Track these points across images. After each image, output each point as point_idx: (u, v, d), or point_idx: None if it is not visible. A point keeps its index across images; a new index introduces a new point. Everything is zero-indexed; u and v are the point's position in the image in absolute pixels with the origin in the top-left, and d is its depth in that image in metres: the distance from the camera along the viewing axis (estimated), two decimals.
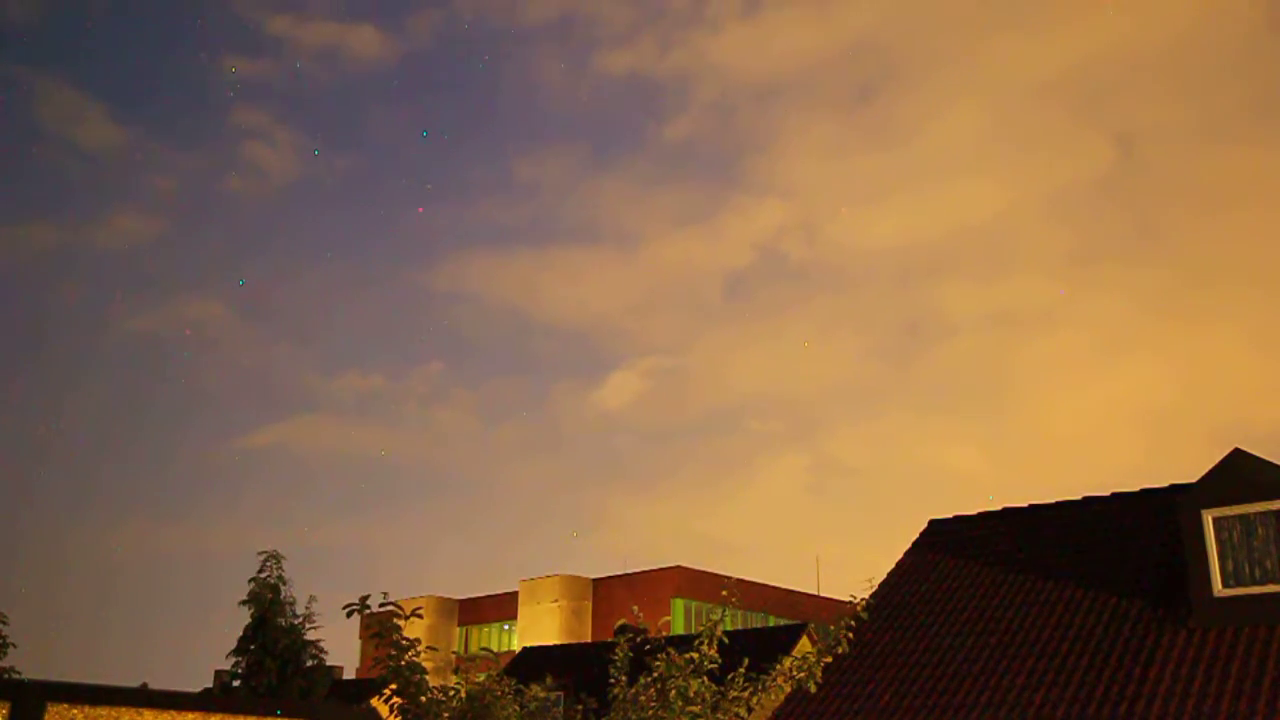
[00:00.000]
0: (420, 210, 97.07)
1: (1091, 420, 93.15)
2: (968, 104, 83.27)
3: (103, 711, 7.05)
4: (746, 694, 9.00)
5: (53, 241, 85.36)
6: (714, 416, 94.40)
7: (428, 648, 8.79)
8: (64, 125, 78.70)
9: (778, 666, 9.29)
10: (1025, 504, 19.40)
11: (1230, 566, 14.27)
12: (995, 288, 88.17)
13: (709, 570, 54.89)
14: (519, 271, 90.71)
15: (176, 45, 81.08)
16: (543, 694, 9.89)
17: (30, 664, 15.13)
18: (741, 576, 50.49)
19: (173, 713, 7.39)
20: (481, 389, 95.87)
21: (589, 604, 57.86)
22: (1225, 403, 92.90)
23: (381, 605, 8.60)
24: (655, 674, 8.91)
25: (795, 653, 9.66)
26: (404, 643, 8.60)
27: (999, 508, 19.72)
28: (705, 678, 8.87)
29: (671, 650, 8.98)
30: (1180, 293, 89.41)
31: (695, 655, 8.92)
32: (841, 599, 10.16)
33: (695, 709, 8.67)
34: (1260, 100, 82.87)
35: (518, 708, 9.35)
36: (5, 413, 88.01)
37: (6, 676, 14.08)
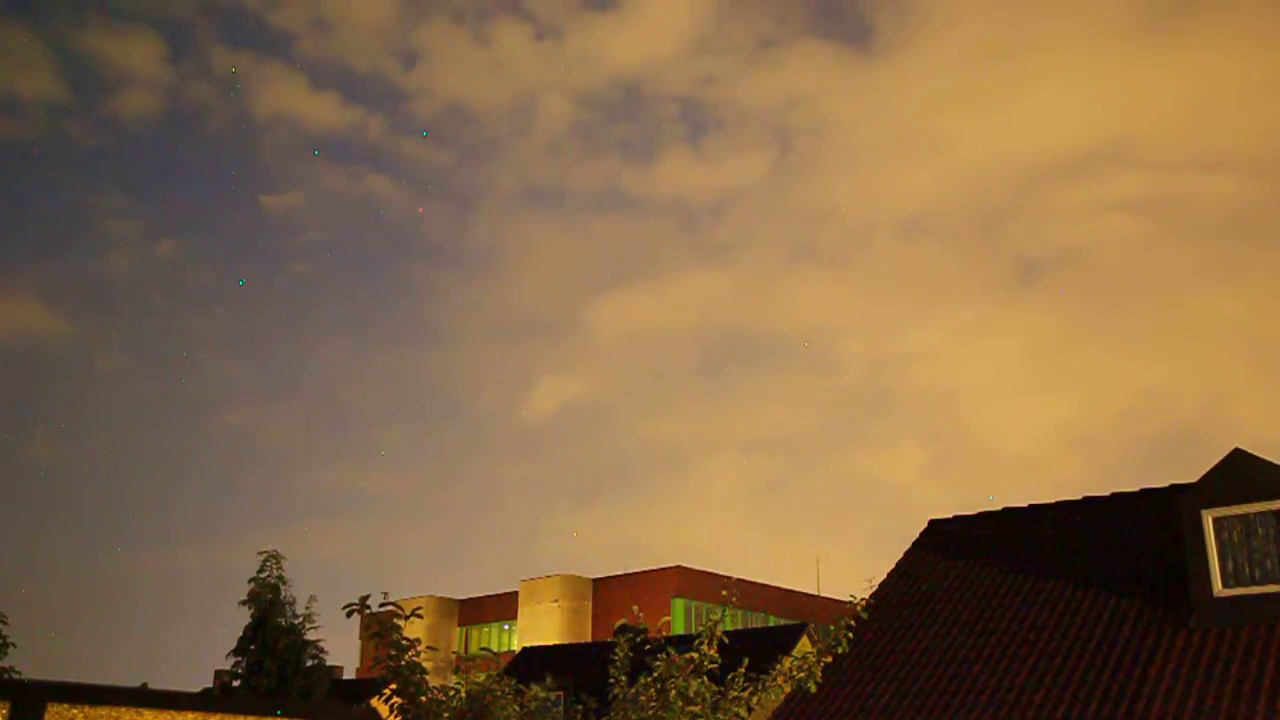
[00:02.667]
0: (421, 210, 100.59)
1: (1028, 438, 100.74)
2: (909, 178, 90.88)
3: (103, 711, 7.05)
4: (746, 694, 9.00)
5: (104, 325, 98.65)
6: (686, 438, 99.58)
7: (428, 648, 8.79)
8: (121, 232, 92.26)
9: (778, 666, 9.29)
10: (1025, 504, 19.42)
11: (1230, 566, 14.26)
12: (940, 320, 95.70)
13: (709, 570, 54.91)
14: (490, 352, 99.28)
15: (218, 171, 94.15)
16: (543, 694, 9.89)
17: (33, 665, 15.15)
18: (742, 577, 50.53)
19: (173, 713, 7.39)
20: (475, 419, 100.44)
21: (589, 604, 57.85)
22: (1152, 423, 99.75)
23: (381, 605, 8.60)
24: (655, 674, 8.91)
25: (795, 653, 9.67)
26: (404, 643, 8.60)
27: (999, 508, 19.72)
28: (705, 678, 8.87)
29: (671, 650, 8.98)
30: (1110, 320, 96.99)
31: (695, 655, 8.92)
32: (841, 599, 10.16)
33: (695, 709, 8.68)
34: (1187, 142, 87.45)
35: (518, 708, 9.36)
36: (39, 449, 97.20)
37: (6, 676, 14.06)
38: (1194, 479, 16.93)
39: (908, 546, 19.76)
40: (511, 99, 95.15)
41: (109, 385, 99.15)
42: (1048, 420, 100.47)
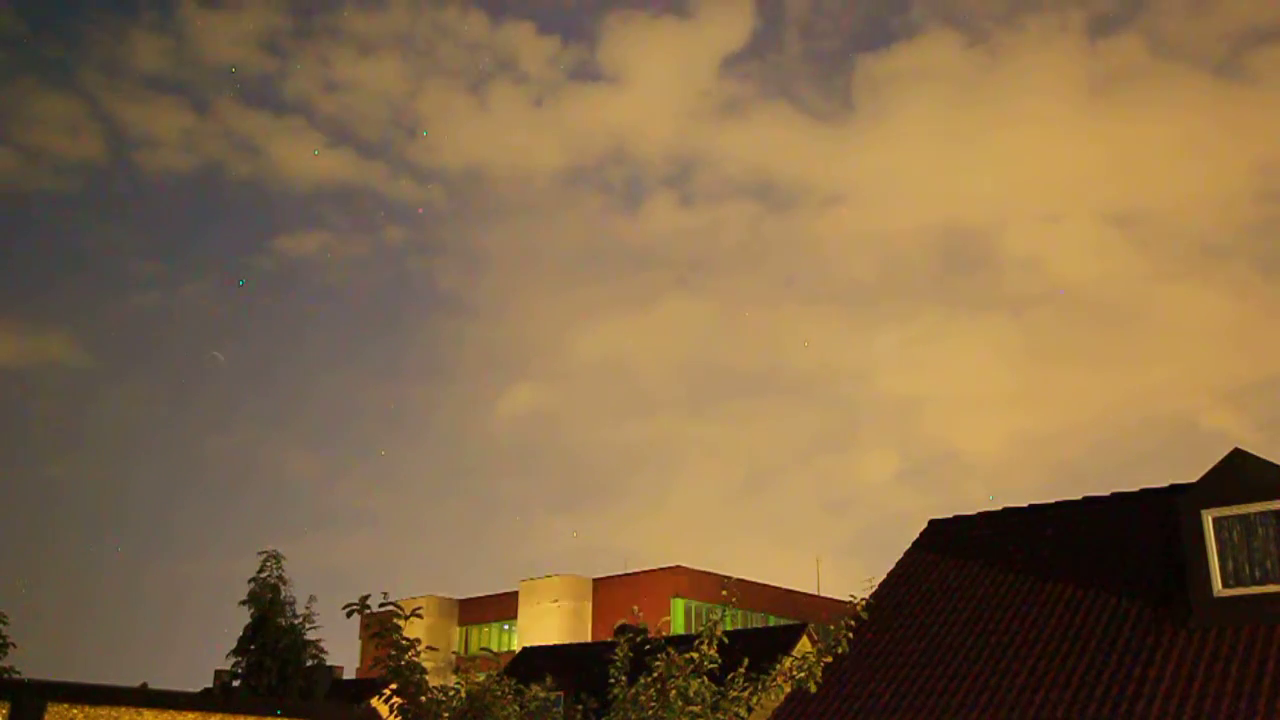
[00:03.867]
0: (420, 210, 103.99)
1: (1004, 445, 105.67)
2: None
3: (103, 711, 7.04)
4: (746, 694, 9.00)
5: (123, 357, 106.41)
6: (673, 446, 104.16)
7: (428, 648, 8.79)
8: (146, 274, 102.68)
9: (778, 666, 9.28)
10: (1025, 504, 19.42)
11: (1230, 566, 14.26)
12: (916, 336, 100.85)
13: (709, 570, 54.90)
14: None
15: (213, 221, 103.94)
16: (543, 694, 9.89)
17: (33, 665, 15.19)
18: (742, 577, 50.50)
19: (173, 713, 7.39)
20: (471, 430, 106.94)
21: (589, 604, 57.85)
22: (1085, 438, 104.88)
23: (381, 605, 8.59)
24: (655, 674, 8.91)
25: (795, 653, 9.66)
26: (404, 643, 8.60)
27: (999, 508, 19.72)
28: (705, 678, 8.87)
29: (671, 650, 8.98)
30: (1079, 333, 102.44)
31: (695, 655, 8.92)
32: (841, 599, 10.15)
33: (695, 709, 8.67)
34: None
35: (518, 708, 9.35)
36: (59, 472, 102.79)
37: (6, 676, 14.06)
38: (1158, 485, 17.21)
39: (885, 549, 19.84)
40: (508, 155, 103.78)
41: (122, 409, 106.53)
42: (1022, 428, 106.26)
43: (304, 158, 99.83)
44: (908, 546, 19.79)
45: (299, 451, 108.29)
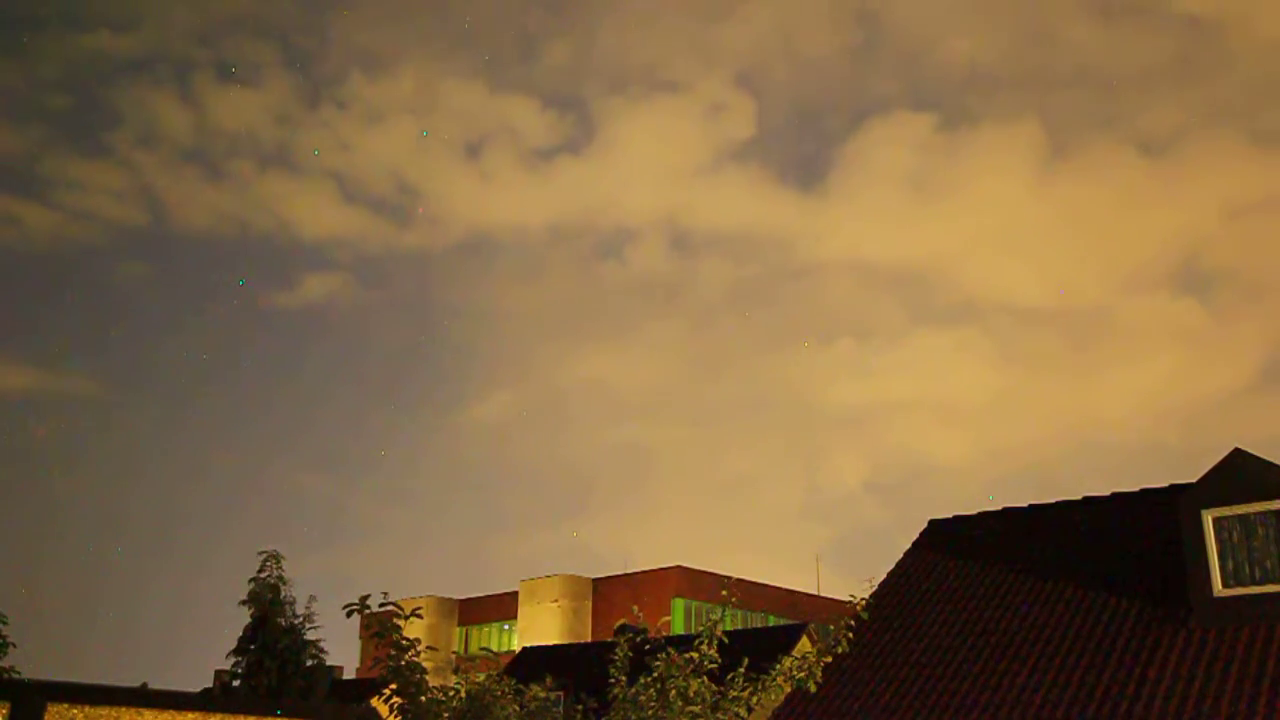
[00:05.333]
0: (421, 210, 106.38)
1: (965, 454, 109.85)
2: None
3: (103, 711, 7.05)
4: (746, 694, 9.00)
5: (137, 387, 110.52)
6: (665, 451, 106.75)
7: (428, 648, 8.78)
8: (168, 315, 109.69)
9: (778, 666, 9.28)
10: (1025, 504, 19.42)
11: (1230, 566, 14.27)
12: (895, 347, 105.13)
13: (709, 570, 54.90)
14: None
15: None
16: (543, 694, 9.89)
17: (32, 664, 15.20)
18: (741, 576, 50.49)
19: (173, 713, 7.39)
20: (470, 436, 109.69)
21: (589, 604, 57.83)
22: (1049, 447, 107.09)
23: (381, 605, 8.59)
24: (655, 674, 8.91)
25: (795, 653, 9.66)
26: (404, 643, 8.59)
27: (999, 508, 19.72)
28: (705, 678, 8.87)
29: (671, 650, 8.98)
30: (1052, 344, 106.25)
31: (695, 655, 8.92)
32: (841, 599, 10.16)
33: (695, 709, 8.67)
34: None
35: (518, 708, 9.35)
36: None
37: (6, 676, 14.06)
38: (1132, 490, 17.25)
39: (862, 554, 19.96)
40: (504, 212, 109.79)
41: (129, 428, 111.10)
42: (992, 438, 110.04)
43: (316, 214, 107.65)
44: (881, 551, 19.92)
45: (303, 466, 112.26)
